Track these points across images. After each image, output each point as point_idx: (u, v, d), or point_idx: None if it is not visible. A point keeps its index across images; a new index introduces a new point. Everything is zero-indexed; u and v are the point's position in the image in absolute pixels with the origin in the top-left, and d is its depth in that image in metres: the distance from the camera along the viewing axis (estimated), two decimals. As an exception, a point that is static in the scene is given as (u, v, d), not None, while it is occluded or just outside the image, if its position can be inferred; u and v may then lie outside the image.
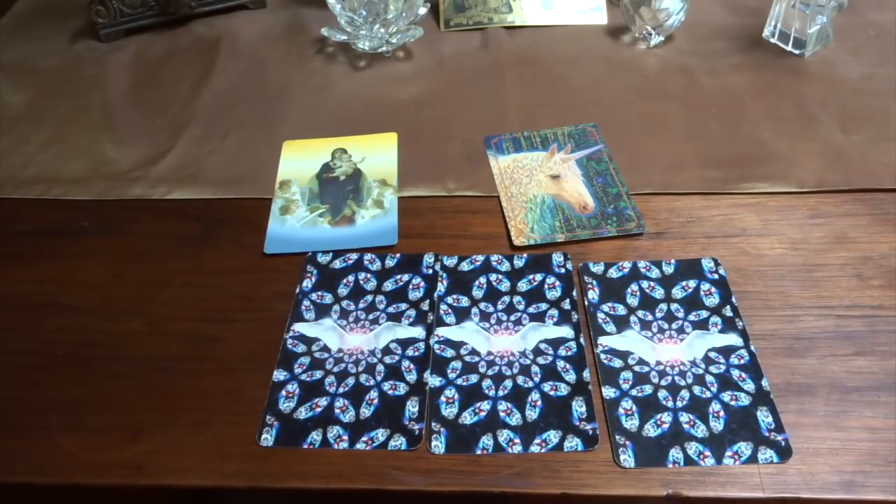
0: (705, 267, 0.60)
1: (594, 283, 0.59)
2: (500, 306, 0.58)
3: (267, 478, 0.48)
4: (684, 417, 0.50)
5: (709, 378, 0.52)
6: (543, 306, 0.58)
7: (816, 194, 0.66)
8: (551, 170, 0.69)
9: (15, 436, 0.51)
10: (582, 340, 0.55)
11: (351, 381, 0.53)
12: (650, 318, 0.56)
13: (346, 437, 0.50)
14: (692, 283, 0.59)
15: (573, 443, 0.49)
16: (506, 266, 0.61)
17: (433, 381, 0.53)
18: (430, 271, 0.61)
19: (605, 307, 0.57)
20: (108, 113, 0.80)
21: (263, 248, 0.63)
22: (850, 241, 0.61)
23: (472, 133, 0.74)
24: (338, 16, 0.83)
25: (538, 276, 0.60)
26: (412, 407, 0.52)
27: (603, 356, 0.54)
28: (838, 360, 0.53)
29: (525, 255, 0.62)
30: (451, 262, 0.61)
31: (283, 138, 0.75)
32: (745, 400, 0.51)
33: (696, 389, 0.52)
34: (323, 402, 0.52)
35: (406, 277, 0.60)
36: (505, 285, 0.59)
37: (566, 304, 0.58)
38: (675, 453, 0.48)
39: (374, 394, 0.53)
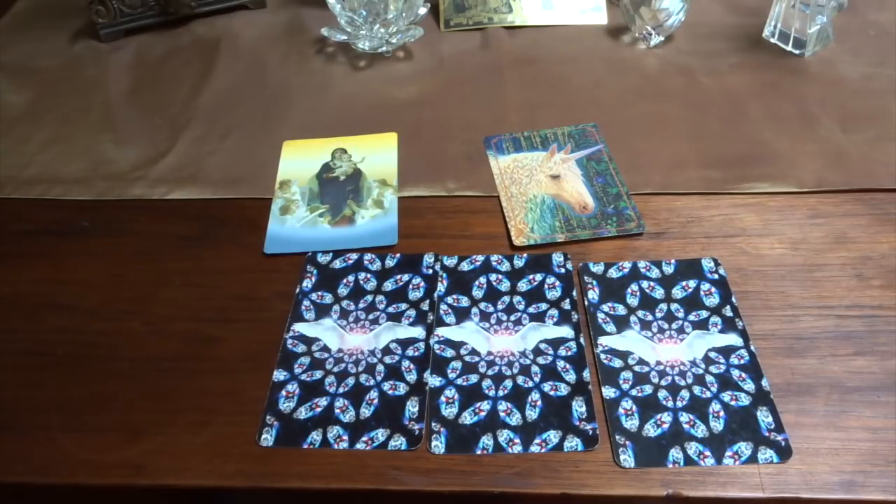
0: (705, 267, 0.60)
1: (594, 283, 0.59)
2: (500, 306, 0.58)
3: (267, 478, 0.48)
4: (684, 417, 0.50)
5: (709, 378, 0.52)
6: (543, 306, 0.58)
7: (816, 194, 0.66)
8: (551, 170, 0.69)
9: (15, 436, 0.51)
10: (582, 340, 0.55)
11: (351, 381, 0.53)
12: (650, 318, 0.56)
13: (346, 437, 0.50)
14: (692, 283, 0.59)
15: (573, 443, 0.49)
16: (506, 266, 0.61)
17: (433, 381, 0.53)
18: (430, 271, 0.61)
19: (605, 307, 0.57)
20: (108, 113, 0.80)
21: (263, 248, 0.63)
22: (850, 241, 0.61)
23: (472, 133, 0.74)
24: (338, 16, 0.83)
25: (538, 276, 0.60)
26: (412, 407, 0.52)
27: (603, 356, 0.54)
28: (838, 360, 0.53)
29: (525, 255, 0.62)
30: (451, 262, 0.61)
31: (283, 138, 0.75)
32: (745, 400, 0.51)
33: (696, 389, 0.52)
34: (323, 402, 0.52)
35: (406, 277, 0.60)
36: (505, 285, 0.59)
37: (566, 304, 0.58)
38: (675, 453, 0.48)
39: (374, 394, 0.53)
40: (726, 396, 0.51)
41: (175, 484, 0.48)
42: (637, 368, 0.53)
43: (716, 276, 0.59)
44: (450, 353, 0.55)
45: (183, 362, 0.55)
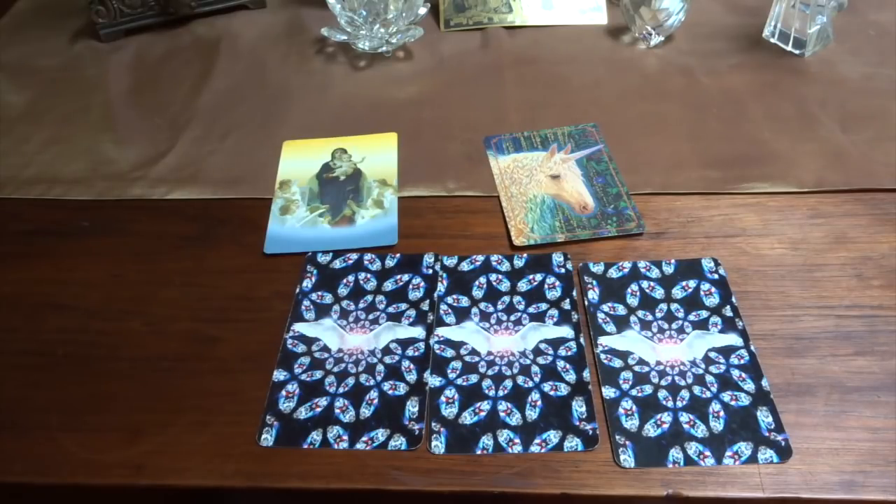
0: (705, 267, 0.60)
1: (594, 283, 0.59)
2: (500, 306, 0.58)
3: (267, 478, 0.48)
4: (684, 417, 0.50)
5: (709, 378, 0.52)
6: (543, 306, 0.58)
7: (816, 194, 0.66)
8: (551, 170, 0.69)
9: (15, 436, 0.51)
10: (582, 340, 0.55)
11: (351, 381, 0.53)
12: (650, 318, 0.56)
13: (346, 437, 0.50)
14: (692, 283, 0.59)
15: (573, 443, 0.49)
16: (506, 266, 0.61)
17: (433, 381, 0.53)
18: (430, 271, 0.61)
19: (605, 307, 0.57)
20: (108, 113, 0.80)
21: (263, 248, 0.63)
22: (850, 241, 0.61)
23: (472, 133, 0.74)
24: (338, 16, 0.83)
25: (538, 276, 0.60)
26: (412, 407, 0.52)
27: (603, 356, 0.54)
28: (838, 360, 0.53)
29: (525, 255, 0.62)
30: (451, 262, 0.61)
31: (283, 138, 0.75)
32: (745, 400, 0.51)
33: (696, 389, 0.52)
34: (323, 402, 0.52)
35: (406, 277, 0.60)
36: (505, 285, 0.59)
37: (566, 304, 0.58)
38: (675, 453, 0.48)
39: (374, 394, 0.53)
40: (726, 396, 0.51)
41: (175, 484, 0.48)
42: (637, 368, 0.53)
43: (716, 276, 0.59)
44: (450, 353, 0.55)
45: (183, 362, 0.55)
